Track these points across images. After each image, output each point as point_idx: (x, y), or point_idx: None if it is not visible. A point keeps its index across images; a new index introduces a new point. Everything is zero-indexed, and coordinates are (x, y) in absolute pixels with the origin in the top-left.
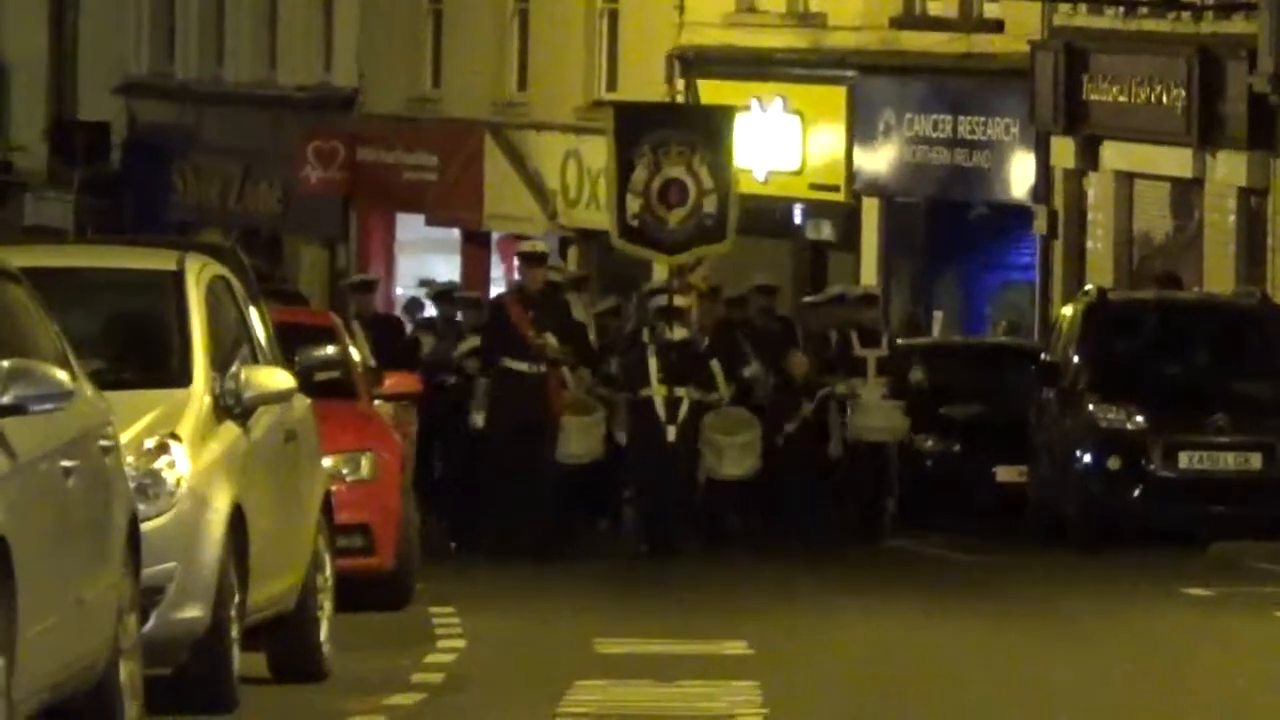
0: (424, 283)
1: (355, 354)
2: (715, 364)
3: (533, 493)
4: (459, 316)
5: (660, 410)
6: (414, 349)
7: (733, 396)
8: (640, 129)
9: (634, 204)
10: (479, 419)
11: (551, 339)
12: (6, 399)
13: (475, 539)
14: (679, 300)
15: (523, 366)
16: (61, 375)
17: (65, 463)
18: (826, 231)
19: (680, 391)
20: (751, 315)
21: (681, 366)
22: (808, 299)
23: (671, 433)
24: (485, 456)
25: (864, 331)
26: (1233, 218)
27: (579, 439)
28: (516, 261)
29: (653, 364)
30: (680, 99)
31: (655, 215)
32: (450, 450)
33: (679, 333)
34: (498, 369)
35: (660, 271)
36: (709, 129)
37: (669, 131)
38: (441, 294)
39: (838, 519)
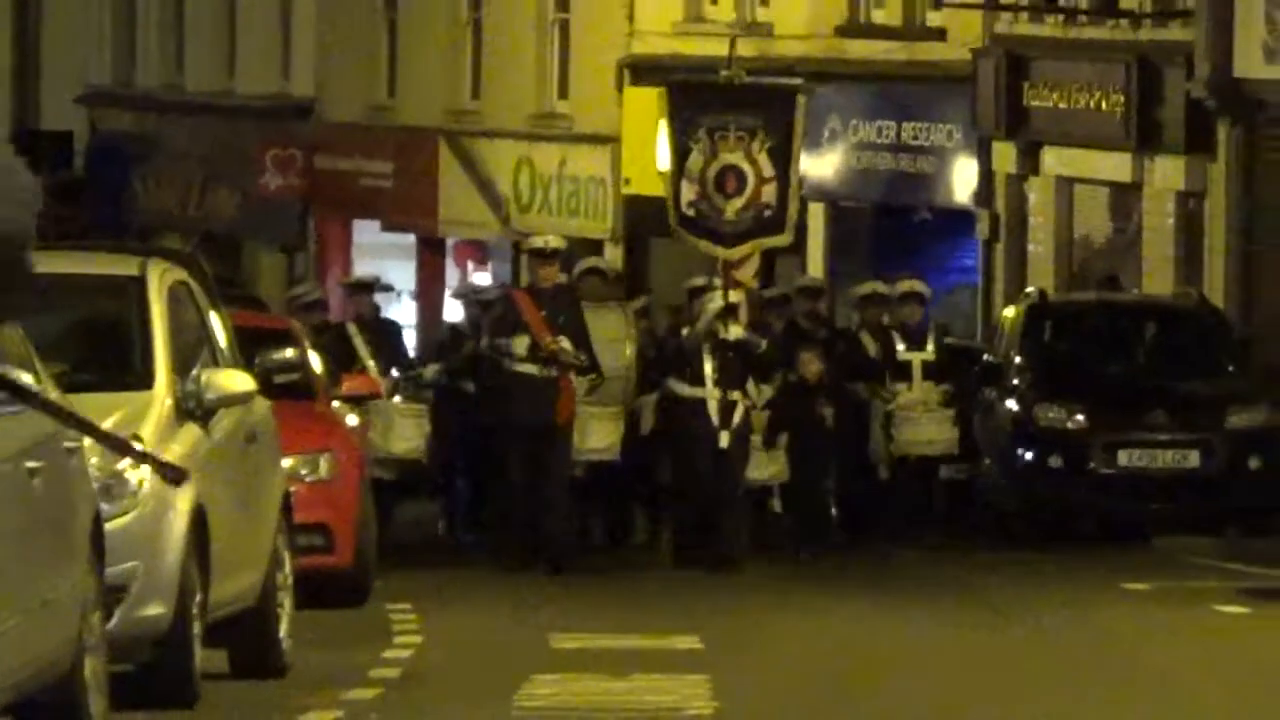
0: (382, 287)
1: (316, 359)
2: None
3: (538, 503)
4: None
5: (714, 414)
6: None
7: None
8: (696, 110)
9: (689, 191)
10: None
11: (566, 343)
12: None
13: (493, 548)
14: (734, 296)
15: (532, 369)
16: (26, 378)
17: (30, 464)
18: None
19: (735, 395)
20: (795, 317)
21: (737, 369)
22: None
23: (725, 438)
24: (495, 461)
25: (908, 332)
26: (1171, 221)
27: (601, 431)
28: (525, 258)
29: (708, 365)
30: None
31: (712, 204)
32: (469, 454)
33: (735, 332)
34: (505, 371)
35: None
36: (771, 112)
37: (728, 114)
38: (467, 294)
39: (877, 533)
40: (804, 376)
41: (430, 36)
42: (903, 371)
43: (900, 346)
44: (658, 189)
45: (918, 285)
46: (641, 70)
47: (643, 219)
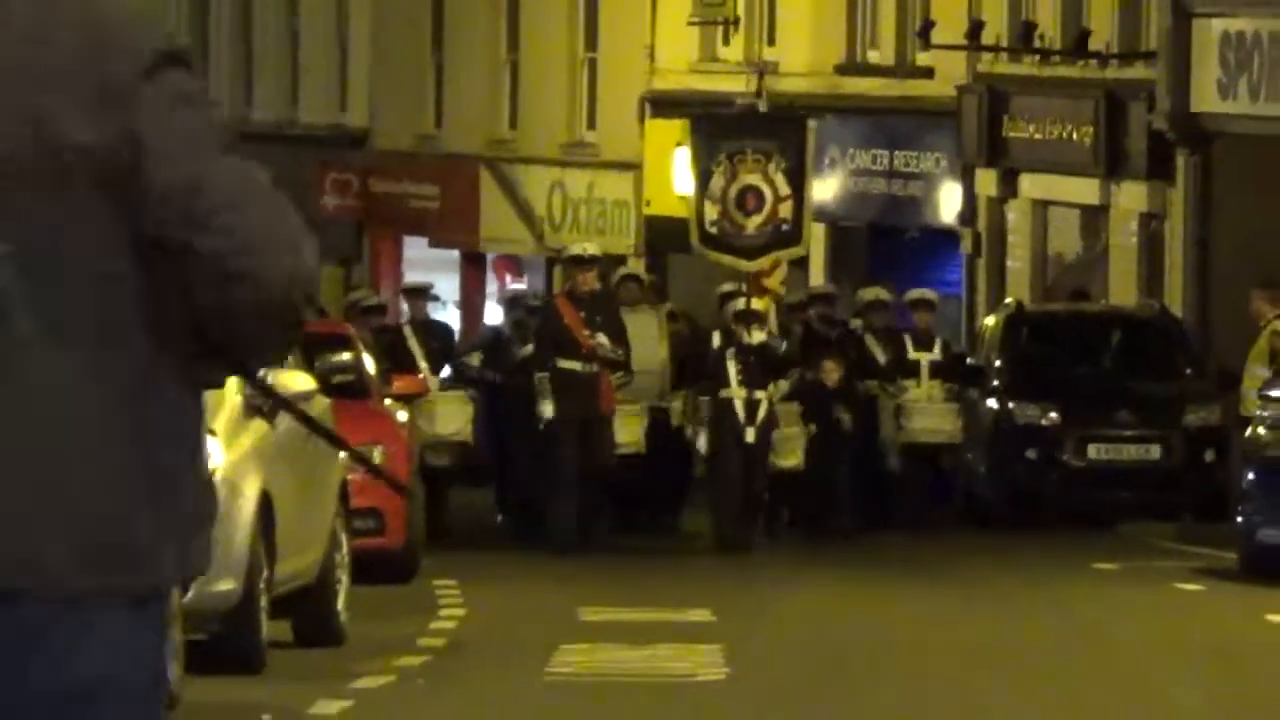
0: (430, 296)
1: (369, 361)
2: None
3: (583, 486)
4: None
5: (740, 412)
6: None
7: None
8: (717, 138)
9: (712, 211)
10: (547, 409)
11: (604, 339)
12: None
13: (535, 526)
14: (756, 303)
15: (575, 366)
16: None
17: None
18: None
19: (759, 394)
20: (810, 320)
21: (760, 369)
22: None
23: (751, 434)
24: (543, 451)
25: (918, 335)
26: (1134, 240)
27: (627, 428)
28: (565, 266)
29: (732, 367)
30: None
31: (733, 222)
32: (520, 444)
33: (757, 336)
34: (552, 368)
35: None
36: (784, 137)
37: (745, 140)
38: (513, 300)
39: (890, 516)
40: (824, 382)
41: (472, 73)
42: (912, 370)
43: (910, 347)
44: (675, 210)
45: (928, 294)
46: (661, 104)
47: (662, 236)
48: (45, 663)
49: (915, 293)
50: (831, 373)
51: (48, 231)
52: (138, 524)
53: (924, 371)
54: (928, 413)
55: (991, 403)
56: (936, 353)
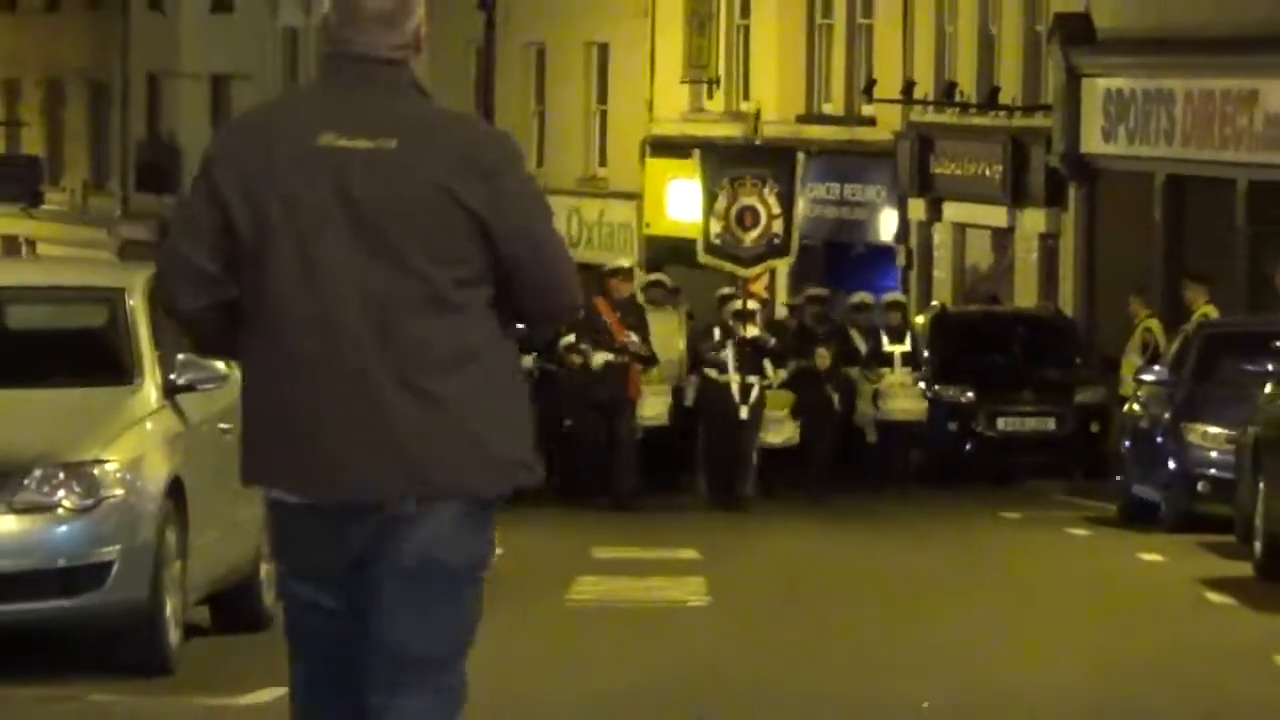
0: None
1: None
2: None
3: (615, 456)
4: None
5: (735, 394)
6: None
7: (782, 381)
8: (721, 166)
9: (716, 226)
10: (597, 358)
11: (634, 336)
12: (182, 380)
13: (566, 487)
14: (751, 304)
15: (609, 357)
16: (219, 364)
17: (223, 425)
18: None
19: (752, 379)
20: (805, 318)
21: (753, 359)
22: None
23: (744, 411)
24: (578, 426)
25: (891, 330)
26: (1035, 255)
27: (652, 404)
28: (606, 275)
29: (730, 356)
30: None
31: (734, 235)
32: (551, 419)
33: (750, 331)
34: (589, 358)
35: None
36: (777, 166)
37: (744, 169)
38: None
39: (867, 480)
40: (817, 366)
41: (508, 120)
42: (887, 359)
43: (886, 340)
44: (669, 231)
45: (900, 297)
46: (658, 146)
47: (659, 253)
48: (420, 543)
49: (889, 296)
50: (824, 358)
51: (458, 258)
52: (528, 447)
53: (897, 361)
54: (900, 395)
55: (920, 385)
56: (907, 345)
